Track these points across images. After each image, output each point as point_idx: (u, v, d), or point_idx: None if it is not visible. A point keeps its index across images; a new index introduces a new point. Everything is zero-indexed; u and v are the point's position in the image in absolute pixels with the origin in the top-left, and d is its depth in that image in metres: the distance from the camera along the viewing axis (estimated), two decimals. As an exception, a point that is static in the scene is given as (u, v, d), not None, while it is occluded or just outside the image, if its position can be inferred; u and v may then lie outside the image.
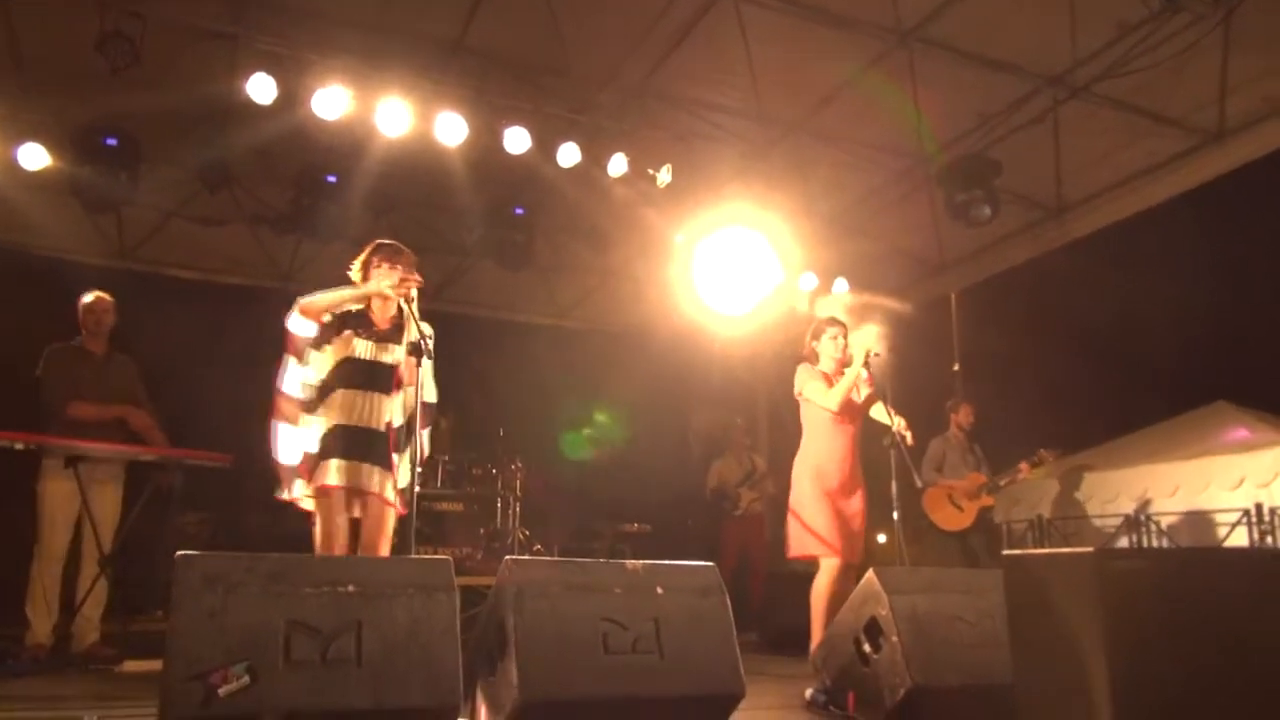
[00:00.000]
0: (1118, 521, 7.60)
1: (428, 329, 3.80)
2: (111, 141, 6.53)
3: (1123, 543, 7.43)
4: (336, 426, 3.81)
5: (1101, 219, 7.55)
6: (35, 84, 6.69)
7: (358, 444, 3.80)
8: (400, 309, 3.91)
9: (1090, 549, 2.63)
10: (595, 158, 6.84)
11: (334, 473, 3.75)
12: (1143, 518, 7.48)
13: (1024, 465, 6.94)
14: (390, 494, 3.84)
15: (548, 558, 7.10)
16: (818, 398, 4.75)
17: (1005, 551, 2.87)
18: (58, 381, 4.94)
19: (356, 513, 3.91)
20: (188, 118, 7.03)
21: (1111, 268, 8.73)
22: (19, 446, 4.41)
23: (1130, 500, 7.63)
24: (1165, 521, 7.38)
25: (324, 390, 3.88)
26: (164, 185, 7.79)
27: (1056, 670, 2.50)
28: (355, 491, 3.82)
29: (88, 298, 5.22)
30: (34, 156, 6.49)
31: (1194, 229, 8.22)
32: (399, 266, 3.90)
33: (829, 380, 4.83)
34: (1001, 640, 2.91)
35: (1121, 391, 9.44)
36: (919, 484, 4.55)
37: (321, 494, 3.78)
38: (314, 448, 3.83)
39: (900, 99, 6.57)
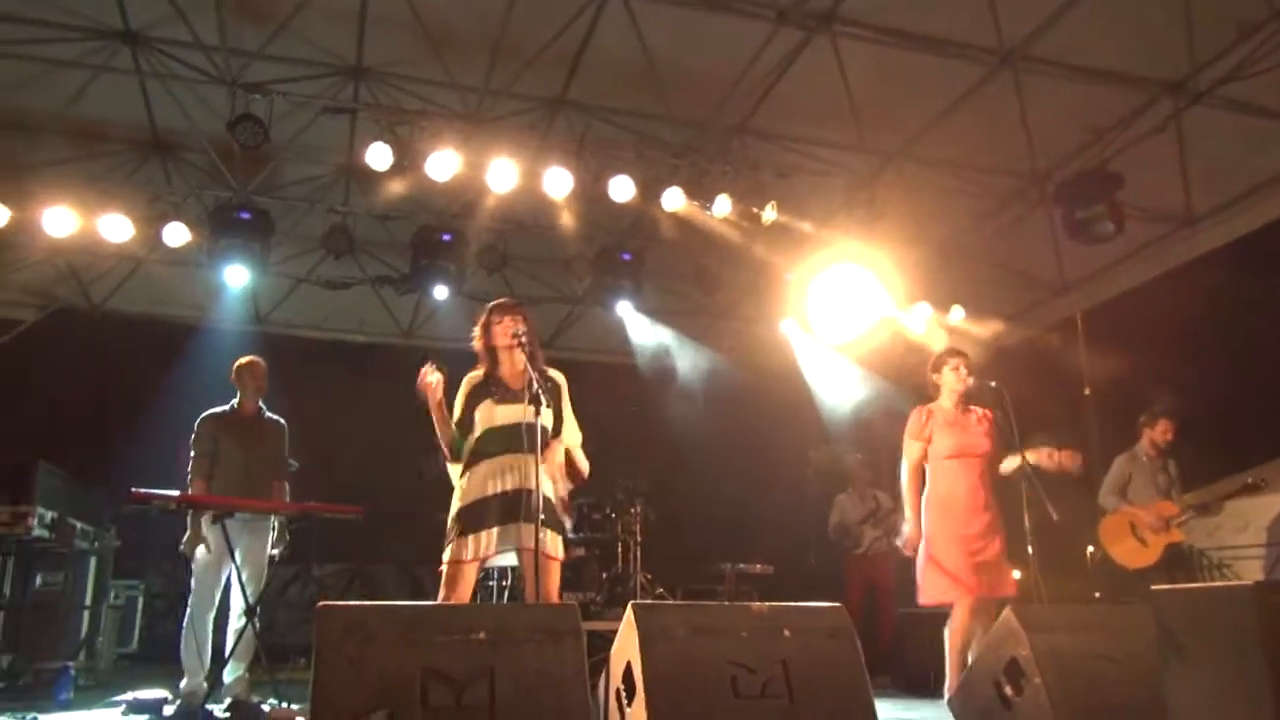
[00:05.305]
0: (1278, 551, 7.07)
1: (559, 376, 4.03)
2: (245, 215, 6.96)
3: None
4: (491, 496, 3.77)
5: (1236, 229, 7.15)
6: (175, 166, 7.25)
7: (510, 508, 3.74)
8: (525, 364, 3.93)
9: (1249, 582, 2.47)
10: (700, 200, 6.90)
11: (485, 544, 3.71)
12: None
13: (1243, 487, 5.95)
14: (554, 549, 3.78)
15: (672, 601, 7.09)
16: (906, 454, 4.74)
17: (1154, 587, 2.72)
18: (204, 448, 5.21)
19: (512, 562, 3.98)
20: (313, 188, 7.48)
21: (1251, 279, 8.21)
22: (171, 507, 4.68)
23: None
24: (1332, 549, 6.83)
25: (470, 463, 3.88)
26: (293, 253, 8.28)
27: (1215, 711, 2.34)
28: (510, 553, 3.82)
29: (242, 360, 5.46)
30: (176, 234, 6.97)
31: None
32: (517, 319, 3.97)
33: (946, 421, 4.69)
34: (1153, 680, 2.74)
35: (1273, 411, 8.81)
36: (1054, 517, 4.27)
37: (467, 564, 3.72)
38: (460, 519, 3.80)
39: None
